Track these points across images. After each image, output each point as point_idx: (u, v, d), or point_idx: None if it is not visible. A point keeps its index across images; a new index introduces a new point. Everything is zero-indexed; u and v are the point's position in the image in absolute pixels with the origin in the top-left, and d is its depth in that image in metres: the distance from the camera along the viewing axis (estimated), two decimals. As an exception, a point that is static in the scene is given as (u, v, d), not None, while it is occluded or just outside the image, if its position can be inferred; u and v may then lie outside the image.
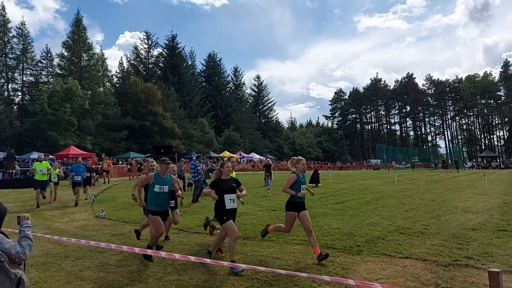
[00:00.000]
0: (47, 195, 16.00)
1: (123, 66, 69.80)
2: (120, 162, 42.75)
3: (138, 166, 32.52)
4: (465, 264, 6.28)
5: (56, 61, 58.97)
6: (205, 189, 6.90)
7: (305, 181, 7.16)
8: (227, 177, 6.87)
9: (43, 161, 15.88)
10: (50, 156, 32.05)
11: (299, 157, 7.35)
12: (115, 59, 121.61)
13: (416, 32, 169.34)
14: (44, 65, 59.00)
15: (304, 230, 6.98)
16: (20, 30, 55.57)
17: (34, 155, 35.10)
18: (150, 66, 76.55)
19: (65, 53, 57.40)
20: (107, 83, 64.67)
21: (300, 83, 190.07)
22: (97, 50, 67.78)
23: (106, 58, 64.46)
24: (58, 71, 58.09)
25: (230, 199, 6.61)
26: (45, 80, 58.12)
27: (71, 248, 7.78)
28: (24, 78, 56.95)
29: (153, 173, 7.24)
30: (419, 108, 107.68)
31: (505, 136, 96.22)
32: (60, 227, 10.37)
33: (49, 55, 59.19)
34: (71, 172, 16.16)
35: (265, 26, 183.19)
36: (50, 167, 15.99)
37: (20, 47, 55.08)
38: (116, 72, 69.08)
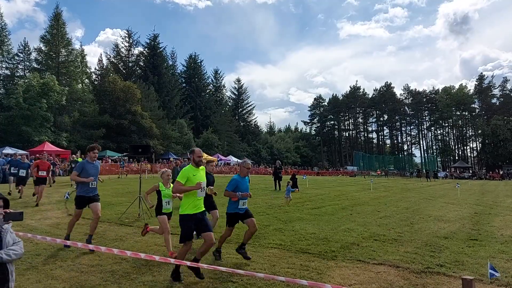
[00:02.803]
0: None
1: (103, 64, 68.97)
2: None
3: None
4: (437, 272, 6.40)
5: (33, 55, 57.75)
6: None
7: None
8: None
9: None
10: (22, 152, 31.09)
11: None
12: (94, 55, 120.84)
13: (397, 42, 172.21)
14: (21, 58, 57.65)
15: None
16: (-4, 22, 54.23)
17: (7, 150, 34.23)
18: (130, 64, 75.71)
19: (43, 48, 56.14)
20: (86, 80, 63.64)
21: (280, 88, 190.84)
22: (76, 46, 66.63)
23: (86, 55, 63.42)
24: (35, 66, 56.73)
25: None
26: (21, 74, 56.73)
27: (43, 246, 7.61)
28: (-1, 71, 55.63)
29: None
30: (396, 117, 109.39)
31: (478, 148, 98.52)
32: (32, 225, 10.13)
33: (27, 48, 57.92)
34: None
35: (248, 29, 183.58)
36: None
37: (-4, 39, 53.80)
38: (95, 69, 68.21)
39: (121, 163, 36.65)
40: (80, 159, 27.25)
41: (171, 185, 7.40)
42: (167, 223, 7.32)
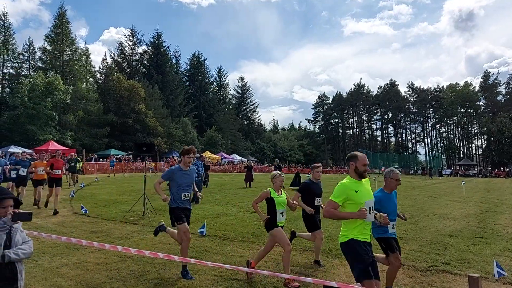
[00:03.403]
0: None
1: (107, 62, 69.16)
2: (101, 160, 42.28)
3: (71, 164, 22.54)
4: (442, 270, 6.39)
5: (38, 54, 57.88)
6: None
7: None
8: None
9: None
10: (28, 151, 31.25)
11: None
12: (98, 54, 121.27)
13: (401, 39, 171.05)
14: (26, 57, 57.83)
15: None
16: (1, 21, 54.40)
17: (13, 149, 34.43)
18: (134, 63, 75.86)
19: (47, 47, 56.34)
20: (90, 79, 63.83)
21: (284, 86, 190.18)
22: (81, 45, 66.80)
23: (90, 54, 63.59)
24: (40, 65, 56.90)
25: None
26: (26, 73, 56.89)
27: (49, 244, 7.65)
28: (5, 71, 55.74)
29: None
30: (401, 115, 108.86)
31: (483, 146, 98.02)
32: (38, 223, 10.16)
33: (31, 47, 58.08)
34: None
35: (251, 27, 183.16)
36: None
37: (1, 39, 53.96)
38: (100, 68, 68.41)
39: (111, 162, 35.83)
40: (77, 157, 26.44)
41: (283, 191, 6.09)
42: (285, 237, 5.81)
